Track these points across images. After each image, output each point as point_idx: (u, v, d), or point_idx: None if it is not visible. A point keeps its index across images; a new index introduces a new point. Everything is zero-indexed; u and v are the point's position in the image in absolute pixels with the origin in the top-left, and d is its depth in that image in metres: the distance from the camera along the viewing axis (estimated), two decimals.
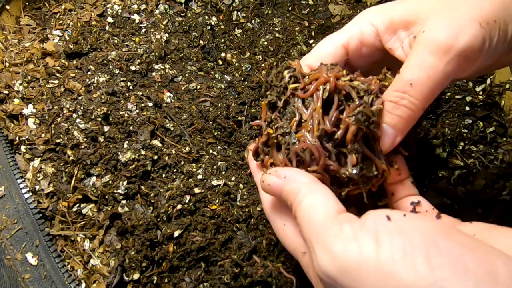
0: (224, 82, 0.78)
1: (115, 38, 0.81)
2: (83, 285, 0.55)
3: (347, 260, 0.26)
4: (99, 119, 0.66)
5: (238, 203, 0.62)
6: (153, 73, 0.77)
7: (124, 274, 0.56)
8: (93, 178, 0.62)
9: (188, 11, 0.88)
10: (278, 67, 0.45)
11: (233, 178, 0.64)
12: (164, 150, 0.65)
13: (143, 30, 0.83)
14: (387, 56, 0.43)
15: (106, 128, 0.65)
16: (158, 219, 0.59)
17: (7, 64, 0.74)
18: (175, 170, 0.64)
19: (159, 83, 0.75)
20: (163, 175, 0.63)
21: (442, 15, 0.37)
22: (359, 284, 0.25)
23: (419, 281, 0.23)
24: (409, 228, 0.26)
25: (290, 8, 0.90)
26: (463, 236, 0.26)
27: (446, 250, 0.24)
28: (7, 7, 0.82)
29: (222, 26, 0.87)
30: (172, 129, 0.68)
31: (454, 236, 0.26)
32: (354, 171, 0.37)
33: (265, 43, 0.84)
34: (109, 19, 0.84)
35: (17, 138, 0.66)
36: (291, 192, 0.35)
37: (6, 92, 0.70)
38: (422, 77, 0.35)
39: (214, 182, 0.63)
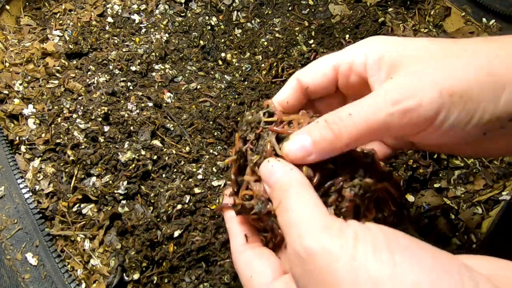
0: (224, 82, 0.78)
1: (115, 38, 0.81)
2: (83, 285, 0.55)
3: (330, 249, 0.29)
4: (99, 119, 0.66)
5: None
6: (153, 73, 0.77)
7: (124, 274, 0.56)
8: (93, 178, 0.62)
9: (188, 11, 0.88)
10: (253, 108, 0.42)
11: None
12: (164, 150, 0.65)
13: (143, 30, 0.83)
14: None
15: (106, 128, 0.65)
16: (158, 219, 0.59)
17: (7, 64, 0.74)
18: (175, 170, 0.64)
19: (159, 83, 0.76)
20: (163, 175, 0.63)
21: (414, 68, 0.36)
22: (333, 269, 0.29)
23: (383, 270, 0.27)
24: (375, 230, 0.30)
25: (290, 8, 0.90)
26: (412, 237, 0.31)
27: (404, 245, 0.29)
28: (7, 7, 0.82)
29: (222, 26, 0.87)
30: (172, 129, 0.68)
31: (407, 236, 0.30)
32: None
33: (265, 43, 0.84)
34: (109, 19, 0.84)
35: (17, 138, 0.66)
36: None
37: (6, 92, 0.70)
38: (361, 115, 0.35)
39: (214, 182, 0.63)
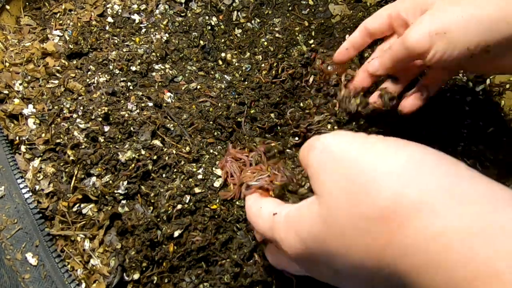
0: (224, 82, 0.78)
1: (115, 38, 0.81)
2: (83, 285, 0.55)
3: (344, 138, 0.37)
4: (100, 119, 0.66)
5: (238, 203, 0.62)
6: (153, 73, 0.77)
7: (124, 274, 0.56)
8: (93, 178, 0.62)
9: (188, 11, 0.88)
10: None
11: None
12: (165, 150, 0.65)
13: (143, 30, 0.83)
14: None
15: (106, 128, 0.65)
16: (158, 219, 0.59)
17: (7, 64, 0.74)
18: (175, 170, 0.64)
19: (159, 83, 0.75)
20: (163, 175, 0.63)
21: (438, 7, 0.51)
22: (346, 151, 0.35)
23: (389, 149, 0.33)
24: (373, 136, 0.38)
25: (290, 8, 0.90)
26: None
27: (411, 143, 0.34)
28: (7, 7, 0.81)
29: (222, 26, 0.87)
30: (172, 129, 0.68)
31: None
32: None
33: (265, 43, 0.84)
34: (109, 19, 0.84)
35: (17, 138, 0.66)
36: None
37: (6, 92, 0.70)
38: (392, 48, 0.55)
39: (215, 183, 0.63)
